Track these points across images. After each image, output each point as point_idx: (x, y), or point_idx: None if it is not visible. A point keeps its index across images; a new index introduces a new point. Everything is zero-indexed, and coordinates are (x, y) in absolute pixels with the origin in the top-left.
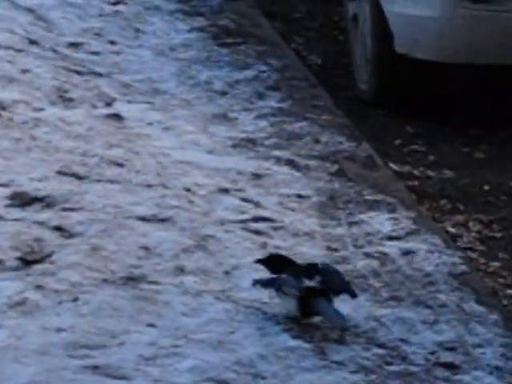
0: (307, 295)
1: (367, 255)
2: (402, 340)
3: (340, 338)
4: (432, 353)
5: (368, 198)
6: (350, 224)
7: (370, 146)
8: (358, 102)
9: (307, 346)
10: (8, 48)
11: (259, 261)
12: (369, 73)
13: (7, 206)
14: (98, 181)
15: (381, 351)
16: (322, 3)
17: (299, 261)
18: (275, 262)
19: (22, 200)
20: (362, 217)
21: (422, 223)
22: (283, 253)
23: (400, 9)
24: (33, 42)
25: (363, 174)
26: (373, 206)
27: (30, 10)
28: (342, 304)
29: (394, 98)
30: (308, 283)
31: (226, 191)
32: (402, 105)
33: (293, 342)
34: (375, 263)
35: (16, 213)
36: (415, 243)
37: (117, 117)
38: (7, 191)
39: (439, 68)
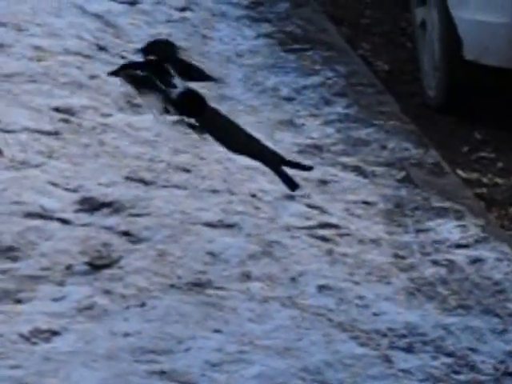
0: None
1: (435, 263)
2: (470, 349)
3: (408, 346)
4: (501, 362)
5: (436, 205)
6: (418, 231)
7: (438, 152)
8: (425, 109)
9: (374, 353)
10: (77, 54)
11: (113, 73)
12: (437, 79)
13: (76, 211)
14: (165, 186)
15: (449, 360)
16: (389, 9)
17: (366, 269)
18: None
19: (91, 205)
20: (430, 224)
21: (491, 231)
22: (348, 260)
23: (470, 15)
24: (101, 48)
25: (431, 180)
26: (440, 213)
27: (98, 16)
28: (409, 312)
29: (462, 104)
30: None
31: (291, 197)
32: (470, 111)
33: (359, 350)
34: (443, 271)
35: (85, 218)
36: (484, 251)
37: (184, 123)
38: (76, 196)
39: (508, 75)
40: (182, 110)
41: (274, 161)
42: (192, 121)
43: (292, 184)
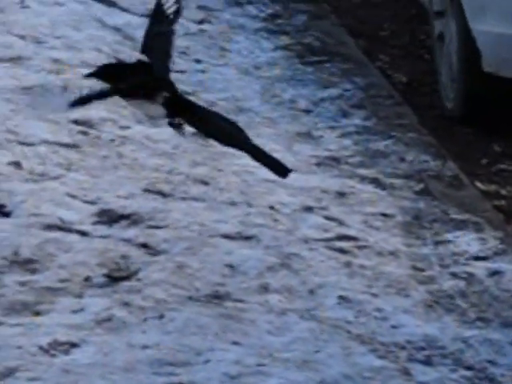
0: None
1: (454, 275)
2: (489, 362)
3: (427, 359)
4: None
5: (454, 217)
6: (436, 243)
7: (456, 164)
8: (443, 121)
9: (393, 366)
10: (95, 67)
11: (90, 74)
12: (455, 91)
13: (94, 223)
14: (183, 198)
15: (468, 373)
16: (407, 22)
17: (384, 281)
18: (108, 72)
19: (109, 217)
20: (448, 236)
21: (510, 243)
22: (367, 273)
23: (488, 27)
24: (120, 61)
25: (449, 193)
26: (459, 225)
27: (117, 29)
28: (427, 325)
29: (480, 116)
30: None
31: (310, 209)
32: (488, 123)
33: (378, 362)
34: (462, 283)
35: (103, 230)
36: (503, 263)
37: (202, 135)
38: (94, 208)
39: None
40: (168, 111)
41: (257, 153)
42: (181, 121)
43: (281, 171)
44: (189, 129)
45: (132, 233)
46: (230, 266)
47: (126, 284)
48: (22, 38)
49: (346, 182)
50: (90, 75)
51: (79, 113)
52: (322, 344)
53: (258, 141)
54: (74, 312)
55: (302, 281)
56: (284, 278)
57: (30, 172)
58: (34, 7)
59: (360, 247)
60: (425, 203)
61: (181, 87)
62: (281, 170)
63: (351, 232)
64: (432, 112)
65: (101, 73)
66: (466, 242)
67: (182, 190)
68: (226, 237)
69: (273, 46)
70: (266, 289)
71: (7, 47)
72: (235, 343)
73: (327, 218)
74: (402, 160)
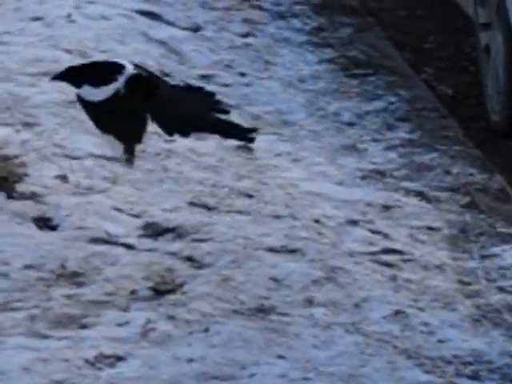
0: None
1: (501, 289)
2: None
3: (474, 374)
4: None
5: (501, 230)
6: (483, 257)
7: (503, 177)
8: (490, 133)
9: (440, 380)
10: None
11: (56, 77)
12: (501, 103)
13: (140, 236)
14: (228, 212)
15: None
16: (452, 34)
17: (430, 295)
18: (74, 74)
19: (154, 231)
20: (495, 250)
21: None
22: (412, 287)
23: None
24: (165, 75)
25: (496, 206)
26: (506, 238)
27: (162, 43)
28: (474, 339)
29: None
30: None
31: (355, 223)
32: None
33: (425, 377)
34: (509, 298)
35: (148, 243)
36: None
37: (246, 148)
38: (140, 222)
39: None
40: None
41: (226, 128)
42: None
43: (245, 136)
44: (233, 142)
45: (177, 246)
46: (275, 280)
47: (171, 297)
48: (69, 52)
49: (391, 195)
50: (55, 78)
51: None
52: (367, 358)
53: (302, 154)
54: (120, 325)
55: (347, 294)
56: (329, 292)
57: (77, 185)
58: (80, 21)
59: (405, 261)
60: (471, 216)
61: (225, 101)
62: (248, 132)
63: (397, 245)
64: (478, 125)
65: (67, 75)
66: None
67: (227, 203)
68: (271, 250)
69: (317, 59)
70: (310, 302)
71: (54, 61)
72: (280, 357)
73: (372, 231)
74: (448, 173)
